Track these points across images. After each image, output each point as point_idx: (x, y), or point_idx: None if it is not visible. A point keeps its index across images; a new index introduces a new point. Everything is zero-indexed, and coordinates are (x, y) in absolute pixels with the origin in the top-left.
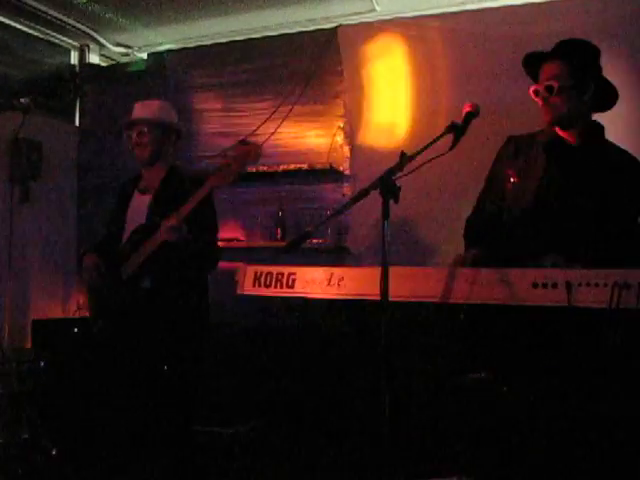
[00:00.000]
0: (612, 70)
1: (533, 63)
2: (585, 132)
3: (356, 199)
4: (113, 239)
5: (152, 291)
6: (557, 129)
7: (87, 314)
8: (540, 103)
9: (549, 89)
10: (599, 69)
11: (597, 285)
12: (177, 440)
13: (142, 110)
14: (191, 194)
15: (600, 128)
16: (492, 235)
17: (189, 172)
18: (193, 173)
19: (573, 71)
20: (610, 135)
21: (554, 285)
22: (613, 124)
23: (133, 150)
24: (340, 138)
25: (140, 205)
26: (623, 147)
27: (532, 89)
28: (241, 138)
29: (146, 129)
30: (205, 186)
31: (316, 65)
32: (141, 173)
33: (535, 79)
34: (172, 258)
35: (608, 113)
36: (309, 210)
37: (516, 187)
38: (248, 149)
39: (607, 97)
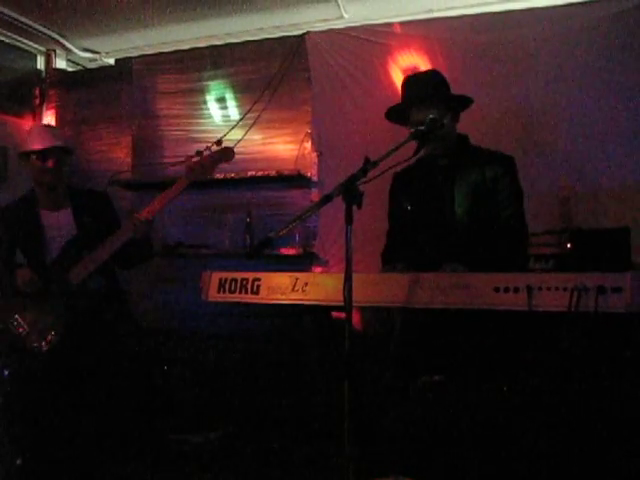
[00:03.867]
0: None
1: (397, 114)
2: (451, 148)
3: (319, 205)
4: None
5: (101, 291)
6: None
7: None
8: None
9: (439, 129)
10: (448, 91)
11: (557, 289)
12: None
13: (54, 137)
14: (102, 203)
15: (464, 138)
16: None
17: (81, 186)
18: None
19: (441, 111)
20: None
21: (516, 289)
22: None
23: (45, 175)
24: (308, 144)
25: (60, 220)
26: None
27: (413, 133)
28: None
29: (63, 156)
30: (180, 182)
31: (284, 72)
32: (33, 194)
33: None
34: (121, 256)
35: None
36: (277, 216)
37: (411, 213)
38: (224, 149)
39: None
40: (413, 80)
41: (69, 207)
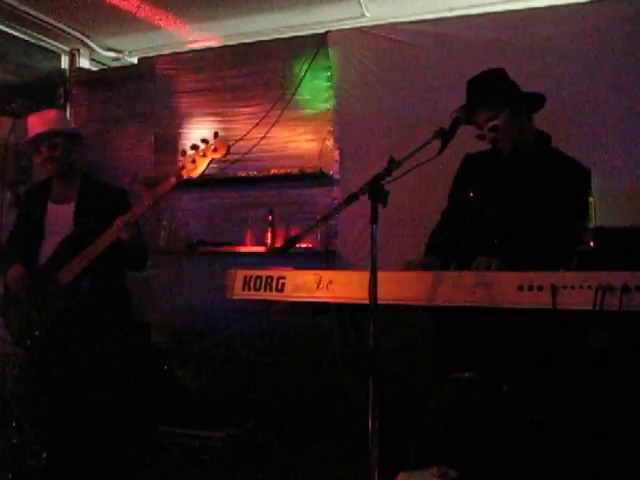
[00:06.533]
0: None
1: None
2: (526, 146)
3: (345, 204)
4: (20, 250)
5: (92, 291)
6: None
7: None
8: (489, 143)
9: (492, 131)
10: (515, 90)
11: (581, 287)
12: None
13: (44, 122)
14: (114, 200)
15: (545, 139)
16: (452, 245)
17: (101, 180)
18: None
19: (498, 111)
20: None
21: (540, 288)
22: None
23: (44, 164)
24: (330, 142)
25: (60, 215)
26: None
27: (476, 135)
28: (231, 142)
29: (58, 140)
30: (168, 181)
31: (306, 70)
32: (49, 182)
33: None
34: (112, 258)
35: None
36: (299, 214)
37: (472, 201)
38: (217, 144)
39: (538, 102)
40: (474, 81)
41: (74, 202)
